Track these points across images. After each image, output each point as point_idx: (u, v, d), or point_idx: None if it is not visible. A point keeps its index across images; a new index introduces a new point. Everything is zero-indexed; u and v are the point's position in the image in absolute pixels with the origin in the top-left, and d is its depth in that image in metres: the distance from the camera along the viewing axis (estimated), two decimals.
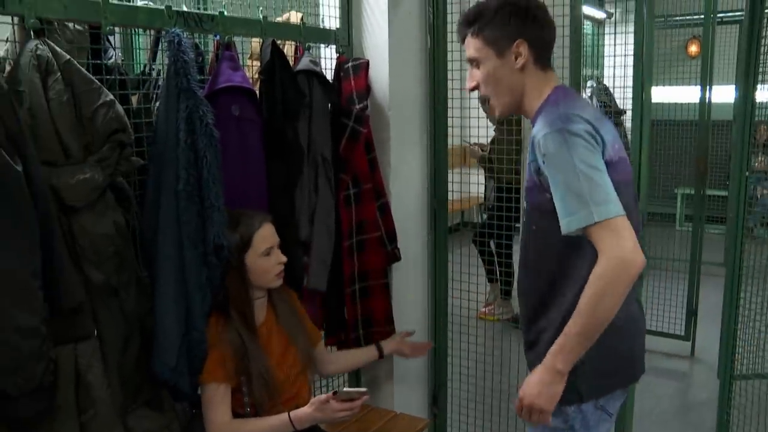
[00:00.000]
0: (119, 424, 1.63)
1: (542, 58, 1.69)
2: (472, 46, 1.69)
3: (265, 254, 1.93)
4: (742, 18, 5.71)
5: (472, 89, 1.75)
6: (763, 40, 2.92)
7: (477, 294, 2.99)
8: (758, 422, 3.02)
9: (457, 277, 3.02)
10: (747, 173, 3.07)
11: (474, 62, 1.71)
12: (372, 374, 2.84)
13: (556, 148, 1.52)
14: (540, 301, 1.71)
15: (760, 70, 2.99)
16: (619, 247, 1.44)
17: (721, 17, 4.98)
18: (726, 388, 3.18)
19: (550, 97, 1.68)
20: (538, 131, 1.58)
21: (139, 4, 1.83)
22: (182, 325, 1.78)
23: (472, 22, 1.69)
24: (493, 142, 4.07)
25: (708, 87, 4.26)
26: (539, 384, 1.55)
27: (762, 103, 3.25)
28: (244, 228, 1.90)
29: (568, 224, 1.49)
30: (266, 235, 1.94)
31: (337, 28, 2.55)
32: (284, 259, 1.97)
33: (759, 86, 3.02)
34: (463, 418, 3.07)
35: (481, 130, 2.87)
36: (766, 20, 2.88)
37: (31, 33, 1.55)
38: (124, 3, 1.77)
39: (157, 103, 1.87)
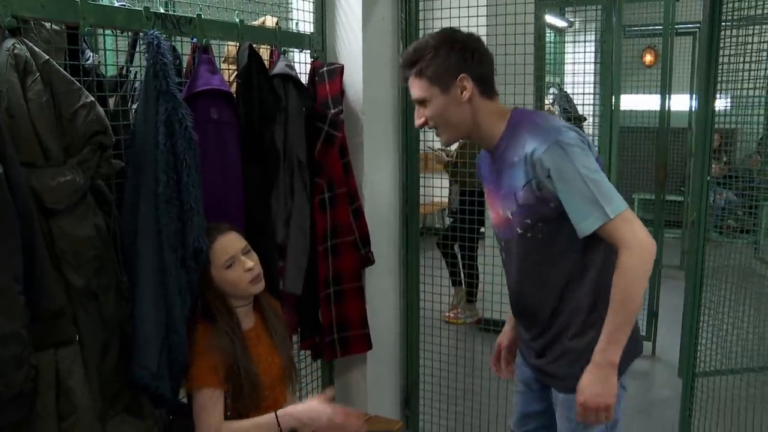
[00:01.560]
0: (100, 431, 1.60)
1: (487, 89, 1.74)
2: (417, 86, 1.74)
3: (227, 266, 1.87)
4: (697, 29, 5.91)
5: (421, 126, 1.79)
6: (720, 51, 3.03)
7: (444, 296, 3.02)
8: (718, 417, 3.12)
9: (427, 281, 3.05)
10: (708, 178, 3.18)
11: (420, 102, 1.75)
12: (345, 377, 2.84)
13: (559, 161, 1.60)
14: (550, 310, 1.79)
15: (719, 80, 3.10)
16: (636, 236, 1.58)
17: (677, 28, 5.13)
18: (688, 385, 3.27)
19: (515, 117, 1.75)
20: (533, 150, 1.63)
21: (116, 4, 1.81)
22: (162, 330, 1.75)
23: (413, 63, 1.73)
24: (461, 146, 4.13)
25: (668, 95, 4.39)
26: (598, 383, 1.65)
27: (720, 111, 3.37)
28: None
29: (586, 226, 1.61)
30: (223, 247, 1.88)
31: (311, 33, 2.56)
32: (250, 264, 1.90)
33: (720, 95, 3.13)
34: (435, 419, 3.10)
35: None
36: (723, 32, 3.00)
37: (6, 32, 1.52)
38: (103, 3, 1.74)
39: (135, 106, 1.84)
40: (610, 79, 2.52)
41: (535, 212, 1.70)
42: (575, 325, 1.77)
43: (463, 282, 4.73)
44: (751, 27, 3.08)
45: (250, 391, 1.88)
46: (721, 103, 3.42)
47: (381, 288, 2.85)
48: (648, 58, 8.18)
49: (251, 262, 1.92)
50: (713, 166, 7.32)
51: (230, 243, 1.90)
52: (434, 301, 3.03)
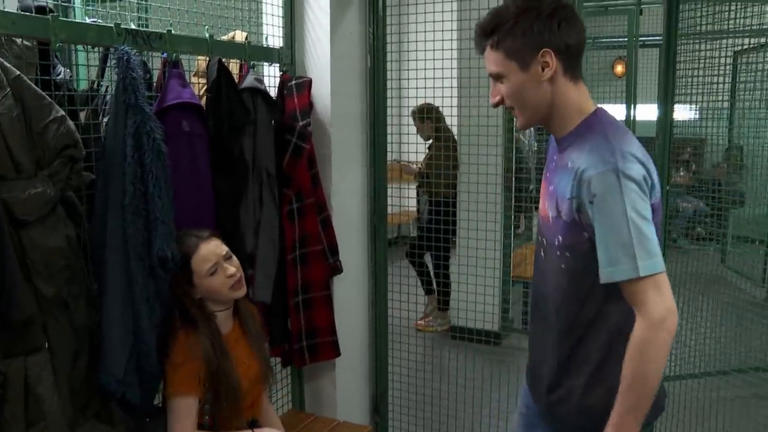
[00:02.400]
0: None
1: (572, 67, 1.52)
2: (493, 60, 1.53)
3: (209, 274, 1.91)
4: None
5: (496, 104, 1.60)
6: (678, 64, 3.15)
7: (412, 305, 3.08)
8: (679, 420, 3.21)
9: (396, 289, 3.11)
10: (668, 187, 3.29)
11: (496, 77, 1.55)
12: (315, 383, 2.89)
13: (609, 190, 1.40)
14: (556, 347, 1.62)
15: (677, 91, 3.22)
16: (661, 307, 1.39)
17: (644, 40, 5.27)
18: None
19: (591, 120, 1.53)
20: (587, 168, 1.44)
21: (88, 21, 1.86)
22: (129, 338, 1.79)
23: (489, 32, 1.52)
24: (430, 158, 4.21)
25: (633, 105, 4.51)
26: None
27: (682, 121, 3.49)
28: (183, 252, 1.90)
29: (610, 274, 1.41)
30: (204, 255, 1.91)
31: (280, 47, 2.62)
32: (232, 270, 1.94)
33: (677, 105, 3.25)
34: (404, 425, 3.15)
35: (420, 146, 2.98)
36: (680, 45, 3.11)
37: None
38: (74, 20, 1.79)
39: (106, 119, 1.89)
40: None
41: (567, 235, 1.52)
42: (580, 376, 1.60)
43: (436, 290, 4.80)
44: (706, 41, 3.21)
45: (230, 395, 1.92)
46: (689, 114, 3.55)
47: (350, 296, 2.90)
48: (619, 68, 8.34)
49: (233, 268, 1.96)
50: (681, 174, 7.52)
51: (211, 251, 1.93)
52: (402, 309, 3.09)
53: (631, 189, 1.39)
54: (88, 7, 2.64)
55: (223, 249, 1.97)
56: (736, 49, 4.32)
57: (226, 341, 1.98)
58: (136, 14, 2.27)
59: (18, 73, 1.57)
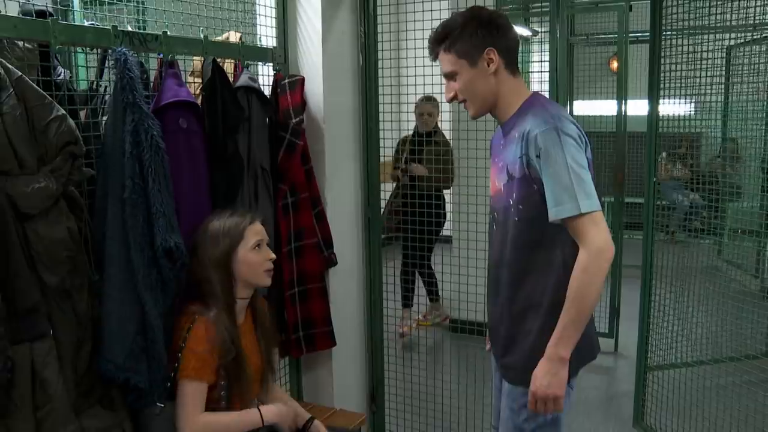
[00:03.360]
0: (74, 420, 1.72)
1: (511, 63, 1.85)
2: (446, 61, 1.84)
3: (255, 247, 2.05)
4: None
5: (451, 100, 1.90)
6: (663, 59, 3.22)
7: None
8: (669, 407, 3.29)
9: (391, 281, 3.19)
10: (654, 179, 3.36)
11: (450, 76, 1.86)
12: (312, 373, 2.98)
13: (551, 144, 1.69)
14: (511, 294, 1.87)
15: (670, 86, 3.29)
16: (599, 239, 1.65)
17: (636, 36, 5.32)
18: (641, 378, 3.45)
19: (530, 100, 1.85)
20: (532, 128, 1.73)
21: (86, 24, 1.94)
22: (131, 325, 1.87)
23: (442, 39, 1.83)
24: (428, 152, 4.22)
25: (624, 101, 4.57)
26: (547, 374, 1.72)
27: (677, 116, 3.55)
28: (237, 223, 2.04)
29: (557, 212, 1.68)
30: (257, 229, 2.08)
31: (273, 47, 2.70)
32: (273, 256, 2.10)
33: (664, 100, 3.31)
34: (400, 413, 3.23)
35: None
36: (667, 40, 3.19)
37: None
38: (73, 23, 1.88)
39: (105, 118, 1.97)
40: (555, 86, 2.68)
41: (520, 190, 1.78)
42: (531, 319, 1.83)
43: (426, 286, 4.65)
44: (690, 36, 3.28)
45: (242, 384, 2.02)
46: (681, 109, 3.61)
47: (345, 288, 2.99)
48: (615, 65, 8.39)
49: (273, 254, 2.11)
50: (678, 168, 7.56)
51: (261, 229, 2.10)
52: (397, 300, 3.17)
53: (569, 143, 1.69)
54: (85, 10, 2.73)
55: (267, 236, 2.13)
56: (728, 44, 4.39)
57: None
58: (133, 17, 2.36)
59: (20, 74, 1.66)
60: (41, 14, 1.83)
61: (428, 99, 4.40)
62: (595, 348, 1.97)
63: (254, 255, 2.06)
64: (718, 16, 3.43)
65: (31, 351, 1.61)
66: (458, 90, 1.86)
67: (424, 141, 4.28)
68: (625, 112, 4.56)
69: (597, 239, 1.65)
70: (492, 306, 2.00)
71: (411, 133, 4.16)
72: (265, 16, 2.69)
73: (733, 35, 3.89)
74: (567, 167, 1.67)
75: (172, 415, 1.98)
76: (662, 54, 3.13)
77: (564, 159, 1.67)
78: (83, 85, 2.19)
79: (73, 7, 2.73)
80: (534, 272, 1.82)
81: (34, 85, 1.68)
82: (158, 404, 1.98)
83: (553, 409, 1.76)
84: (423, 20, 2.86)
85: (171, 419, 1.98)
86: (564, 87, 2.76)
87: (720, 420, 3.10)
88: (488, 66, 1.81)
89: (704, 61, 3.44)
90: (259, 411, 2.08)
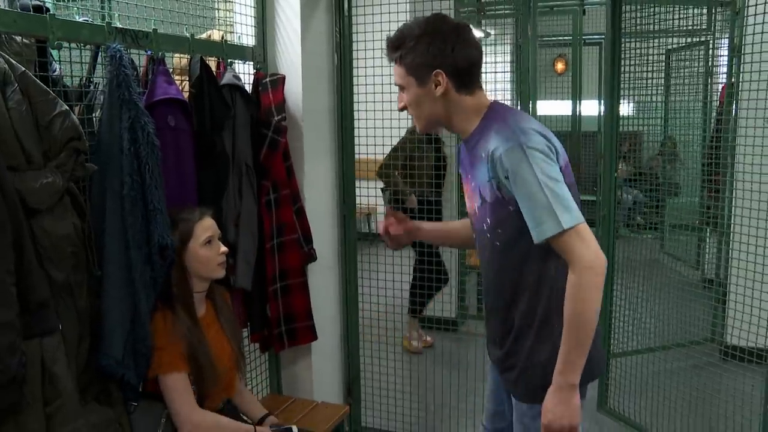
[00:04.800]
0: (83, 414, 1.72)
1: (465, 84, 1.72)
2: (397, 72, 1.76)
3: (206, 243, 2.07)
4: (602, 40, 6.39)
5: (402, 109, 1.81)
6: (623, 61, 3.39)
7: (384, 290, 3.23)
8: (630, 391, 3.47)
9: (366, 276, 3.25)
10: (616, 174, 3.53)
11: (400, 87, 1.77)
12: (292, 367, 3.01)
13: (518, 162, 1.58)
14: (505, 315, 1.79)
15: (622, 86, 3.46)
16: (587, 253, 1.54)
17: (586, 39, 5.54)
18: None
19: (489, 114, 1.73)
20: (495, 148, 1.62)
21: (80, 20, 1.94)
22: (127, 322, 1.89)
23: (396, 48, 1.73)
24: (412, 149, 3.88)
25: (578, 101, 4.76)
26: (560, 405, 1.61)
27: (623, 116, 3.73)
28: (186, 220, 2.05)
29: (539, 234, 1.57)
30: (207, 225, 2.09)
31: (253, 45, 2.73)
32: (225, 249, 2.12)
33: (621, 100, 3.49)
34: (376, 405, 3.30)
35: (386, 140, 3.12)
36: (623, 43, 3.36)
37: None
38: (69, 19, 1.88)
39: (98, 114, 1.98)
40: (528, 86, 2.80)
41: (497, 213, 1.69)
42: (528, 337, 1.75)
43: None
44: (649, 39, 3.46)
45: (208, 374, 2.04)
46: (626, 109, 3.80)
47: (323, 283, 3.03)
48: (559, 66, 8.66)
49: (224, 248, 2.14)
50: (621, 167, 7.86)
51: (212, 225, 2.12)
52: (372, 294, 3.23)
53: (537, 157, 1.58)
54: (71, 4, 2.68)
55: (218, 230, 2.15)
56: (668, 47, 4.63)
57: (200, 323, 2.10)
58: (115, 12, 2.35)
59: (23, 69, 1.65)
60: (38, 9, 1.82)
61: None
62: (601, 361, 1.87)
63: (206, 251, 2.08)
64: (661, 22, 3.64)
65: (41, 346, 1.61)
66: (407, 103, 1.77)
67: (424, 145, 3.92)
68: (580, 112, 4.75)
69: (585, 255, 1.55)
70: (488, 320, 1.94)
71: (409, 131, 3.82)
72: (244, 15, 2.71)
73: (670, 40, 4.12)
74: (539, 184, 1.56)
75: (151, 412, 2.01)
76: (622, 56, 3.29)
77: (534, 176, 1.57)
78: (70, 81, 2.17)
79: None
80: (526, 291, 1.73)
81: (37, 81, 1.68)
82: (132, 403, 2.00)
83: None
84: (398, 21, 2.93)
85: (145, 414, 2.01)
86: (530, 88, 2.89)
87: (673, 402, 3.29)
88: (435, 88, 1.70)
89: (651, 64, 3.65)
90: (255, 429, 2.15)
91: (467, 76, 1.72)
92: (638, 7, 3.35)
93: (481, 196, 1.73)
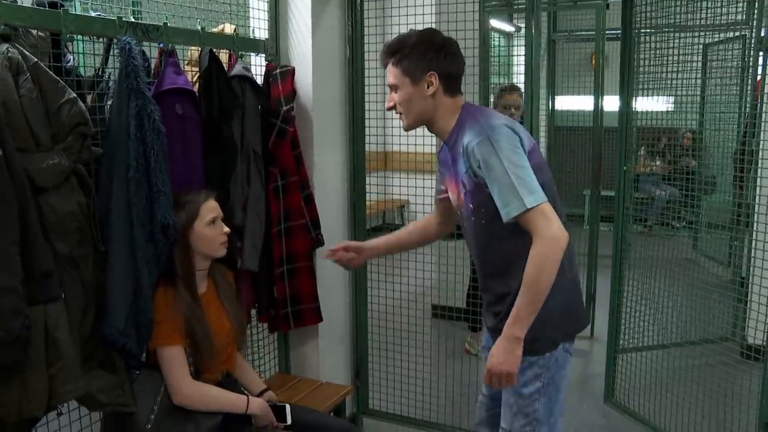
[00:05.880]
0: (83, 377, 1.87)
1: (451, 88, 1.98)
2: (392, 73, 1.99)
3: (210, 222, 2.21)
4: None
5: (390, 109, 2.05)
6: (635, 56, 3.40)
7: (392, 276, 3.33)
8: (637, 387, 3.49)
9: (375, 261, 3.34)
10: (625, 169, 3.55)
11: (393, 87, 2.01)
12: (300, 348, 3.14)
13: (487, 153, 1.83)
14: (497, 283, 2.02)
15: (637, 82, 3.47)
16: (549, 228, 1.77)
17: (615, 34, 5.50)
18: (611, 360, 3.65)
19: (462, 115, 1.98)
20: (469, 142, 1.88)
21: (93, 14, 2.09)
22: (130, 294, 2.03)
23: (393, 52, 1.98)
24: None
25: (600, 96, 4.73)
26: (503, 352, 1.83)
27: (652, 112, 3.73)
28: (192, 201, 2.19)
29: (507, 213, 1.81)
30: (211, 206, 2.23)
31: (266, 39, 2.86)
32: (227, 229, 2.26)
33: (638, 96, 3.50)
34: (383, 389, 3.41)
35: (396, 131, 3.21)
36: (636, 38, 3.37)
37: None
38: (82, 14, 2.03)
39: (110, 102, 2.13)
40: (530, 80, 2.85)
41: (477, 196, 1.92)
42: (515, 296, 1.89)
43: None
44: (661, 34, 3.47)
45: (205, 348, 2.17)
46: (653, 104, 3.79)
47: (332, 267, 3.13)
48: (595, 61, 8.56)
49: (227, 228, 2.27)
50: (657, 163, 7.74)
51: (216, 206, 2.26)
52: (381, 281, 3.34)
53: (503, 147, 1.82)
54: (86, 1, 2.86)
55: (221, 212, 2.28)
56: (703, 41, 4.57)
57: (201, 300, 2.23)
58: (130, 8, 2.50)
59: (36, 59, 1.80)
60: (53, 5, 1.98)
61: (513, 88, 4.07)
62: (585, 317, 2.15)
63: (210, 230, 2.21)
64: (689, 15, 3.62)
65: (44, 312, 1.76)
66: (397, 102, 2.00)
67: None
68: (602, 107, 4.73)
69: (549, 228, 1.77)
70: (484, 294, 2.12)
71: None
72: (258, 9, 2.84)
73: (706, 34, 4.08)
74: (505, 170, 1.79)
75: (150, 381, 2.13)
76: (634, 51, 3.30)
77: (501, 164, 1.80)
78: (84, 72, 2.33)
79: None
80: (512, 260, 1.92)
81: (48, 71, 1.83)
82: (134, 371, 2.13)
83: (507, 385, 1.88)
84: (407, 15, 3.03)
85: (145, 383, 2.13)
86: (539, 82, 2.93)
87: (682, 399, 3.30)
88: (427, 88, 1.95)
89: (676, 58, 3.63)
90: (248, 399, 2.24)
91: (454, 81, 2.00)
92: (654, 0, 3.35)
93: (464, 185, 1.97)
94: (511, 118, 2.00)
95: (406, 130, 2.08)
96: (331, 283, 3.14)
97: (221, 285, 2.34)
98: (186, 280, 2.18)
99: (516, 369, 1.84)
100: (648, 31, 3.49)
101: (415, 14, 3.07)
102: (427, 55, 1.94)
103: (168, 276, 2.16)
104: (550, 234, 1.77)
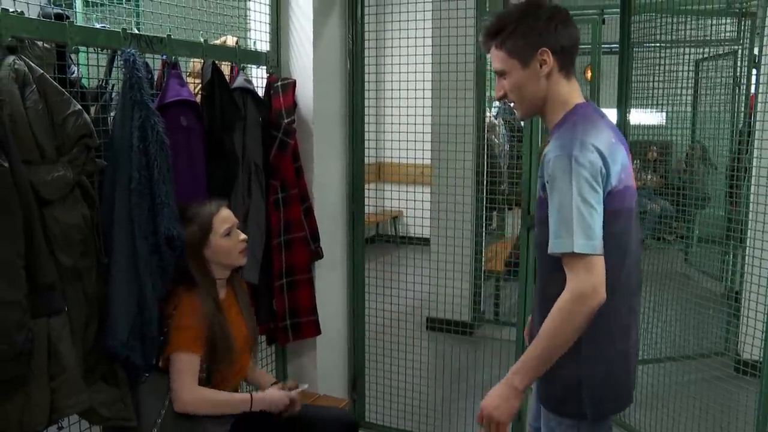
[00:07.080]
0: (85, 390, 1.86)
1: (566, 65, 1.70)
2: (498, 58, 1.72)
3: (225, 234, 2.19)
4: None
5: (501, 98, 1.78)
6: (632, 70, 3.44)
7: (386, 289, 3.33)
8: (641, 401, 3.50)
9: (373, 275, 3.35)
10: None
11: (500, 73, 1.73)
12: (297, 361, 3.14)
13: (561, 171, 1.57)
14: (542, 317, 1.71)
15: (638, 95, 3.51)
16: (587, 283, 1.53)
17: (609, 48, 5.56)
18: None
19: (569, 115, 1.70)
20: (549, 151, 1.64)
21: (97, 26, 2.09)
22: (134, 306, 2.02)
23: (495, 34, 1.70)
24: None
25: None
26: (498, 398, 1.65)
27: (645, 125, 3.77)
28: (203, 214, 2.18)
29: (553, 246, 1.58)
30: (224, 216, 2.21)
31: (267, 51, 2.86)
32: (245, 236, 2.24)
33: (635, 109, 3.54)
34: (380, 402, 3.39)
35: (395, 144, 3.22)
36: (629, 51, 3.41)
37: (6, 50, 1.79)
38: (87, 26, 2.03)
39: (113, 114, 2.12)
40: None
41: (541, 210, 1.69)
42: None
43: None
44: (656, 48, 3.51)
45: (226, 354, 2.17)
46: (657, 118, 3.82)
47: (330, 280, 3.15)
48: (589, 74, 8.63)
49: (244, 234, 2.25)
50: (649, 177, 7.79)
51: (229, 215, 2.24)
52: (378, 293, 3.34)
53: (581, 175, 1.55)
54: (88, 13, 2.86)
55: (235, 219, 2.26)
56: (695, 57, 4.62)
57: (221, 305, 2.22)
58: (133, 19, 2.50)
59: (42, 71, 1.80)
60: (59, 17, 1.97)
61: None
62: (632, 392, 1.82)
63: (226, 241, 2.20)
64: (685, 32, 3.67)
65: (48, 325, 1.75)
66: (507, 89, 1.73)
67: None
68: None
69: (583, 283, 1.54)
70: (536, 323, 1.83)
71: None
72: (259, 21, 2.85)
73: (701, 49, 4.13)
74: (572, 200, 1.55)
75: (159, 386, 2.12)
76: (632, 65, 3.34)
77: (570, 191, 1.55)
78: (88, 83, 2.33)
79: (75, 8, 2.86)
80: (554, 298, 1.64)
81: (54, 82, 1.82)
82: (144, 374, 2.12)
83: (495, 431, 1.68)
84: (408, 29, 3.05)
85: (153, 388, 2.12)
86: None
87: (677, 413, 3.31)
88: (541, 68, 1.67)
89: (671, 73, 3.67)
90: (251, 397, 2.23)
91: (569, 55, 1.71)
92: (650, 16, 3.39)
93: (538, 190, 1.75)
94: (619, 143, 1.68)
95: (521, 119, 1.81)
96: (328, 296, 3.13)
97: (239, 292, 2.34)
98: (207, 289, 2.17)
99: (508, 419, 1.66)
100: (641, 47, 3.53)
101: (416, 28, 3.09)
102: (536, 29, 1.66)
103: (190, 284, 2.15)
104: (582, 289, 1.54)
